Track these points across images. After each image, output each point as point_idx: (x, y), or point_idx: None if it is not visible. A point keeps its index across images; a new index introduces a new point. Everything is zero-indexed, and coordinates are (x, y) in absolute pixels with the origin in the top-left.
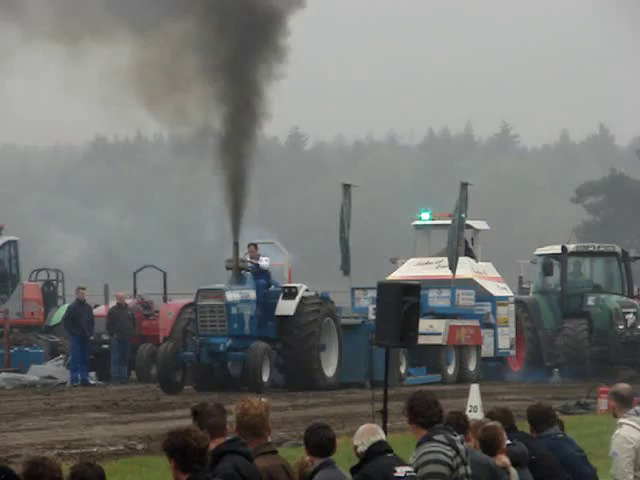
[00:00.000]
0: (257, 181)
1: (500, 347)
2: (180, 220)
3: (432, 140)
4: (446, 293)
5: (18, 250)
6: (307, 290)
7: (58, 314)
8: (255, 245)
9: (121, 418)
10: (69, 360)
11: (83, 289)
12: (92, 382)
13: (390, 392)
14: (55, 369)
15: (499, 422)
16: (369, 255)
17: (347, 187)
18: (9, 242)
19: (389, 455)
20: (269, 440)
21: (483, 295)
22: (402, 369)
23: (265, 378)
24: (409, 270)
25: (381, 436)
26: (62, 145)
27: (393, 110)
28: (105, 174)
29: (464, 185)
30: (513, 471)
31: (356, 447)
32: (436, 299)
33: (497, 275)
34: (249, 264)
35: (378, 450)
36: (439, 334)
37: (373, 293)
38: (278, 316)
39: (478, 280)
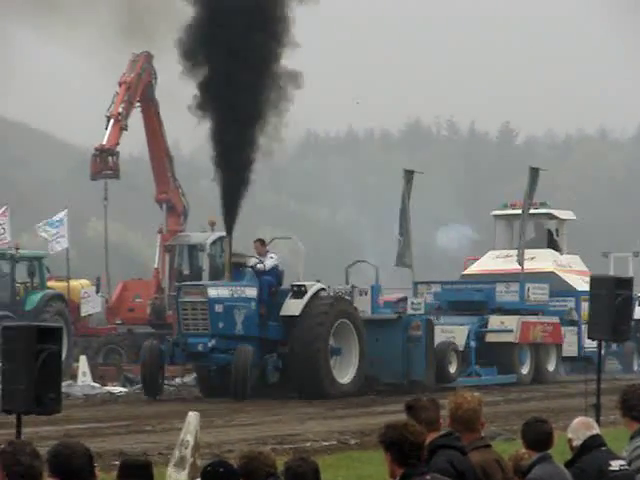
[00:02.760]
0: (463, 175)
1: (586, 346)
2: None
3: None
4: (515, 287)
5: None
6: (323, 289)
7: None
8: (262, 241)
9: (334, 413)
10: None
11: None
12: None
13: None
14: None
15: None
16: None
17: (410, 174)
18: (220, 238)
19: (603, 449)
20: (482, 434)
21: (565, 290)
22: (452, 369)
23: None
24: (488, 263)
25: (596, 430)
26: None
27: (604, 104)
28: (316, 170)
29: (534, 170)
30: None
31: (570, 441)
32: (504, 294)
33: (584, 269)
34: (255, 260)
35: (593, 444)
36: (511, 331)
37: (437, 288)
38: (283, 316)
39: (560, 274)
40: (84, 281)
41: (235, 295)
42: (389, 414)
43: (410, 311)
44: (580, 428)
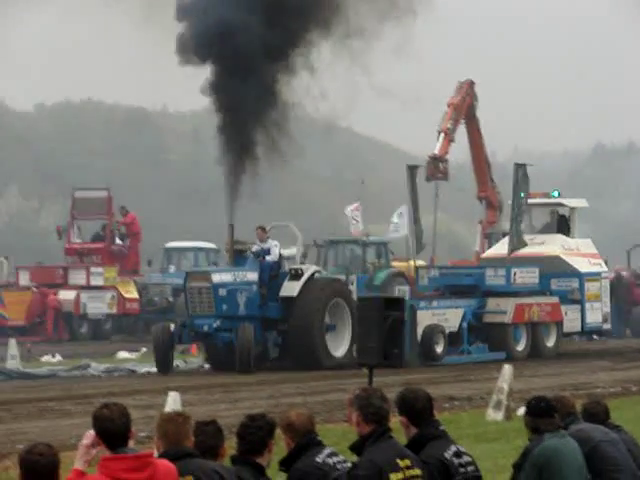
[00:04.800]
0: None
1: (589, 322)
2: None
3: None
4: (502, 272)
5: None
6: (318, 272)
7: None
8: (263, 228)
9: (620, 366)
10: None
11: None
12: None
13: None
14: None
15: None
16: None
17: (413, 168)
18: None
19: None
20: None
21: (570, 272)
22: (438, 349)
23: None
24: (503, 248)
25: None
26: (570, 150)
27: None
28: (603, 174)
29: (519, 166)
30: None
31: None
32: (493, 278)
33: (593, 252)
34: (256, 247)
35: None
36: (504, 312)
37: (435, 272)
38: (282, 297)
39: (565, 257)
40: (420, 261)
41: (237, 280)
42: None
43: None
44: None
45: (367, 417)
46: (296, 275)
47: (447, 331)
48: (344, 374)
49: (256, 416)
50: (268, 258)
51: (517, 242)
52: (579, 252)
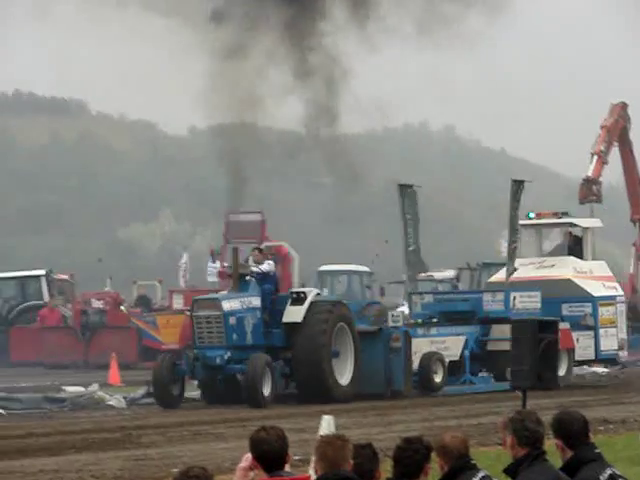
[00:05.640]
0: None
1: (603, 349)
2: None
3: None
4: (500, 297)
5: None
6: (318, 294)
7: None
8: (260, 249)
9: None
10: None
11: None
12: None
13: None
14: None
15: None
16: None
17: (404, 187)
18: None
19: None
20: None
21: (582, 296)
22: (437, 379)
23: (266, 392)
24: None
25: None
26: None
27: None
28: None
29: (515, 182)
30: None
31: None
32: (491, 303)
33: (608, 274)
34: (254, 269)
35: None
36: (509, 339)
37: (430, 298)
38: (286, 323)
39: (576, 281)
40: None
41: (244, 306)
42: None
43: (391, 323)
44: None
45: (521, 440)
46: (298, 299)
47: (447, 360)
48: (499, 396)
49: (413, 439)
50: (265, 269)
51: (509, 267)
52: (592, 275)
